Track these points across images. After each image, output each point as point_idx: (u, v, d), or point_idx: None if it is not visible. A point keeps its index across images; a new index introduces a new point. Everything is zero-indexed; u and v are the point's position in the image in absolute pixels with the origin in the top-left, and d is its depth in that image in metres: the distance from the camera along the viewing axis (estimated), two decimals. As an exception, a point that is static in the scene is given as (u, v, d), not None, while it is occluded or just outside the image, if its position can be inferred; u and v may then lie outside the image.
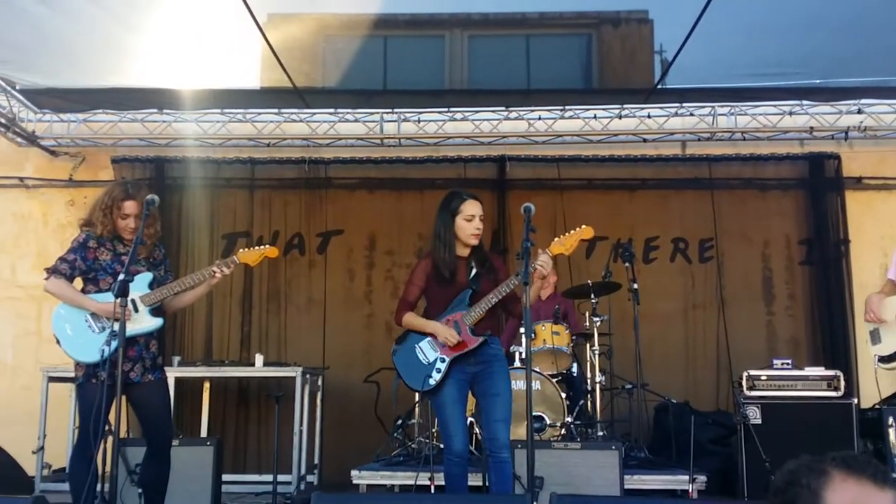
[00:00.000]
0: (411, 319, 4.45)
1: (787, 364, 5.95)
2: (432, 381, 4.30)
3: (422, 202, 7.97)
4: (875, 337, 4.41)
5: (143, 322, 4.23)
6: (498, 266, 4.51)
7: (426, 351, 4.38)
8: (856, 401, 5.76)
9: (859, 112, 7.38)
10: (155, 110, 7.68)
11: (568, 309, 6.74)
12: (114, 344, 3.79)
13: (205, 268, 4.40)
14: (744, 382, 5.83)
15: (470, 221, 4.38)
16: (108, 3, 5.82)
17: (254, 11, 5.90)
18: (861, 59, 6.57)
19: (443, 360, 4.32)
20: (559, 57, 7.24)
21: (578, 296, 6.67)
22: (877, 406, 6.17)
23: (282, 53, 6.58)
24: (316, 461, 7.08)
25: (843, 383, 5.78)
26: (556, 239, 4.37)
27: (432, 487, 5.27)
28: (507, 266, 4.59)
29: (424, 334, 4.40)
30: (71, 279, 4.26)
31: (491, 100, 7.57)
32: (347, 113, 7.69)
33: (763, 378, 5.84)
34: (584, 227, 4.38)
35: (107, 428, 4.15)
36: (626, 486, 5.09)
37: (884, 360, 4.34)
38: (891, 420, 5.90)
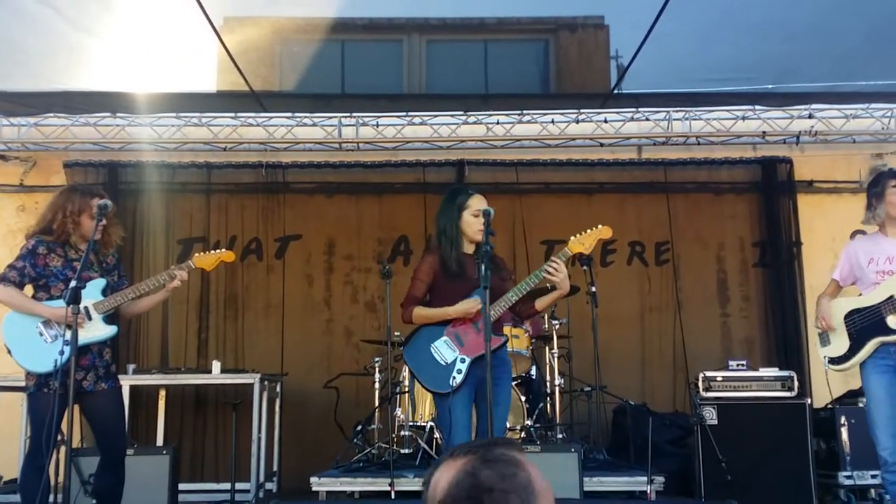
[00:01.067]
0: (423, 311, 4.25)
1: (742, 365, 6.05)
2: (454, 383, 4.10)
3: (380, 207, 7.97)
4: (824, 339, 4.52)
5: (96, 330, 4.14)
6: (501, 265, 4.37)
7: (443, 351, 4.18)
8: (809, 401, 5.87)
9: (810, 117, 7.53)
10: (108, 114, 7.54)
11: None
12: (67, 353, 3.71)
13: (160, 273, 4.34)
14: (700, 384, 5.91)
15: (478, 217, 4.22)
16: (60, 5, 5.70)
17: (209, 14, 5.83)
18: (812, 65, 6.69)
19: (463, 361, 4.14)
20: (517, 62, 7.27)
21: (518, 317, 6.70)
22: (829, 406, 6.30)
23: (238, 57, 6.51)
24: (275, 468, 7.00)
25: (796, 384, 5.89)
26: (574, 237, 4.22)
27: (392, 493, 5.25)
28: (507, 266, 4.50)
29: (439, 332, 4.20)
30: (21, 286, 4.17)
31: (449, 104, 7.57)
32: (305, 117, 7.64)
33: (719, 379, 5.93)
34: (601, 226, 4.24)
35: (59, 438, 4.07)
36: (585, 489, 5.14)
37: (834, 361, 4.44)
38: (843, 419, 6.06)
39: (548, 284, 4.26)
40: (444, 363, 4.15)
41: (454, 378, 4.10)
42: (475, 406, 4.23)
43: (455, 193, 4.38)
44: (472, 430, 4.18)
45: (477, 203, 4.26)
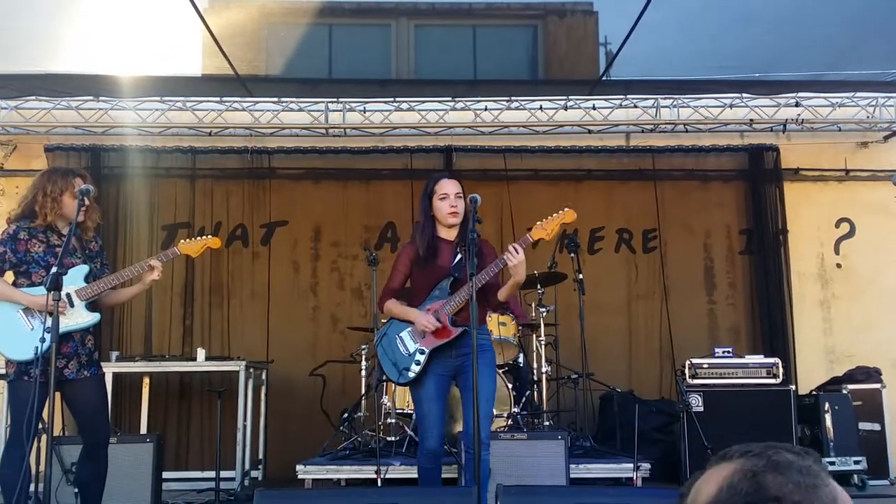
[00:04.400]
0: (392, 307, 4.29)
1: (728, 352, 6.08)
2: (411, 374, 4.15)
3: (367, 193, 7.92)
4: None
5: (79, 317, 4.08)
6: (486, 252, 4.25)
7: (406, 342, 4.22)
8: (794, 387, 5.91)
9: (797, 105, 7.54)
10: (91, 97, 7.45)
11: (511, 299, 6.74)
12: (48, 340, 3.65)
13: (143, 260, 4.28)
14: (686, 371, 5.93)
15: (444, 200, 4.20)
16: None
17: (194, -4, 5.75)
18: (799, 54, 6.71)
19: (422, 352, 4.15)
20: (505, 48, 7.25)
21: (524, 286, 6.68)
22: (813, 392, 6.35)
23: (224, 41, 6.43)
24: (260, 456, 6.97)
25: (781, 370, 5.93)
26: (538, 223, 4.16)
27: (379, 481, 5.23)
28: (494, 252, 4.35)
29: (406, 323, 4.24)
30: (1, 273, 4.10)
31: (437, 90, 7.53)
32: (291, 102, 7.57)
33: (705, 366, 5.95)
34: (566, 209, 4.15)
35: (41, 426, 4.01)
36: (571, 476, 5.14)
37: None
38: (827, 406, 6.10)
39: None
40: (405, 354, 4.20)
41: (410, 369, 4.15)
42: (460, 393, 4.24)
43: (427, 182, 4.38)
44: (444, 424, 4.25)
45: (442, 187, 4.24)
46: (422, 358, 4.14)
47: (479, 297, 4.00)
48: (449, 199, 4.21)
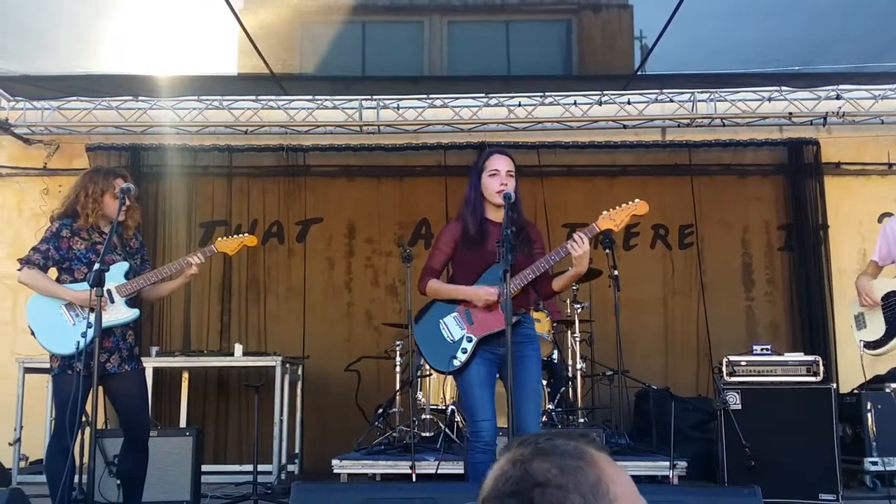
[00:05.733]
0: (438, 286, 3.99)
1: (767, 350, 5.97)
2: (457, 363, 3.86)
3: (401, 189, 7.95)
4: (860, 322, 4.33)
5: (119, 313, 4.16)
6: (534, 237, 4.04)
7: (451, 328, 3.92)
8: (834, 386, 5.79)
9: (838, 98, 7.41)
10: (130, 97, 7.58)
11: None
12: (90, 334, 3.73)
13: (182, 257, 4.34)
14: (724, 368, 5.84)
15: (494, 177, 3.92)
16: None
17: (229, -3, 5.82)
18: (839, 45, 6.59)
19: (469, 340, 3.87)
20: (539, 43, 7.21)
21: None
22: (855, 391, 6.22)
23: (259, 40, 6.49)
24: (296, 451, 7.05)
25: (821, 368, 5.80)
26: (605, 213, 3.88)
27: (413, 476, 5.26)
28: (542, 238, 4.17)
29: (450, 308, 3.94)
30: (45, 269, 4.19)
31: (470, 86, 7.53)
32: (326, 100, 7.62)
33: (743, 364, 5.85)
34: (637, 201, 3.89)
35: (84, 419, 4.10)
36: (607, 473, 5.10)
37: (869, 345, 4.26)
38: (869, 405, 5.97)
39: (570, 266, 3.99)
40: (450, 341, 3.91)
41: (457, 357, 3.87)
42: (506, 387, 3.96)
43: (478, 157, 4.15)
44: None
45: (493, 163, 3.98)
46: (469, 346, 3.87)
47: (527, 285, 3.88)
48: (499, 175, 3.93)
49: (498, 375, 4.00)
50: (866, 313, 4.30)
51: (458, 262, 4.04)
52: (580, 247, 3.73)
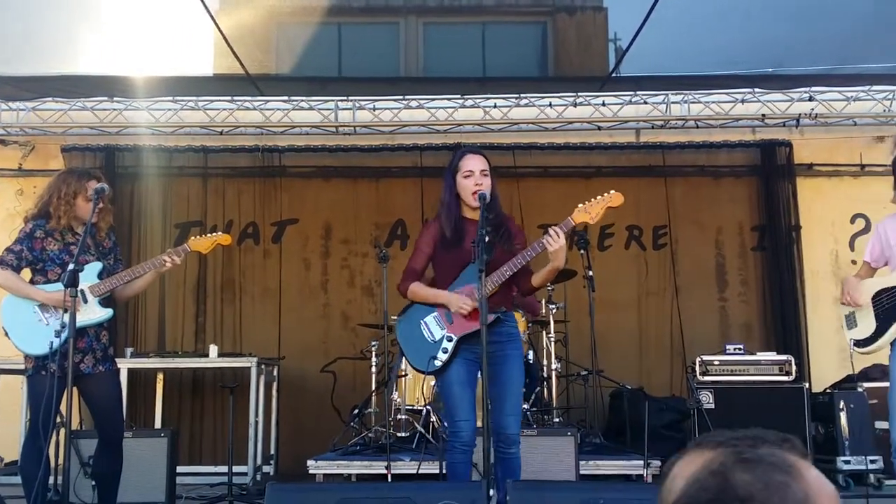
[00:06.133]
0: (418, 290, 3.98)
1: (740, 349, 6.05)
2: (437, 363, 3.86)
3: (377, 190, 7.95)
4: (850, 321, 4.31)
5: (92, 313, 4.14)
6: (515, 232, 4.04)
7: (432, 328, 3.93)
8: (807, 385, 5.87)
9: (810, 100, 7.48)
10: (105, 98, 7.52)
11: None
12: (64, 335, 3.72)
13: (155, 257, 4.33)
14: (697, 368, 5.91)
15: (468, 178, 3.92)
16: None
17: (205, -2, 5.81)
18: (812, 48, 6.68)
19: (450, 339, 3.87)
20: (514, 45, 7.27)
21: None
22: (828, 390, 6.29)
23: (234, 41, 6.49)
24: (272, 452, 7.03)
25: (794, 368, 5.89)
26: (580, 206, 3.89)
27: (389, 476, 5.27)
28: (523, 233, 4.16)
29: (431, 308, 3.95)
30: (18, 270, 4.17)
31: (446, 87, 7.54)
32: (301, 100, 7.60)
33: (716, 363, 5.93)
34: (612, 192, 3.91)
35: (58, 420, 4.08)
36: (581, 472, 5.15)
37: (859, 343, 4.23)
38: (842, 404, 6.04)
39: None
40: (431, 341, 3.92)
41: (437, 358, 3.87)
42: (489, 385, 3.89)
43: (451, 157, 4.12)
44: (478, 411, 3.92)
45: (466, 163, 3.96)
46: (449, 346, 3.87)
47: (508, 281, 3.89)
48: (473, 176, 3.92)
49: (480, 374, 3.92)
50: (857, 312, 4.27)
51: (437, 262, 4.05)
52: (556, 241, 3.72)
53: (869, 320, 4.21)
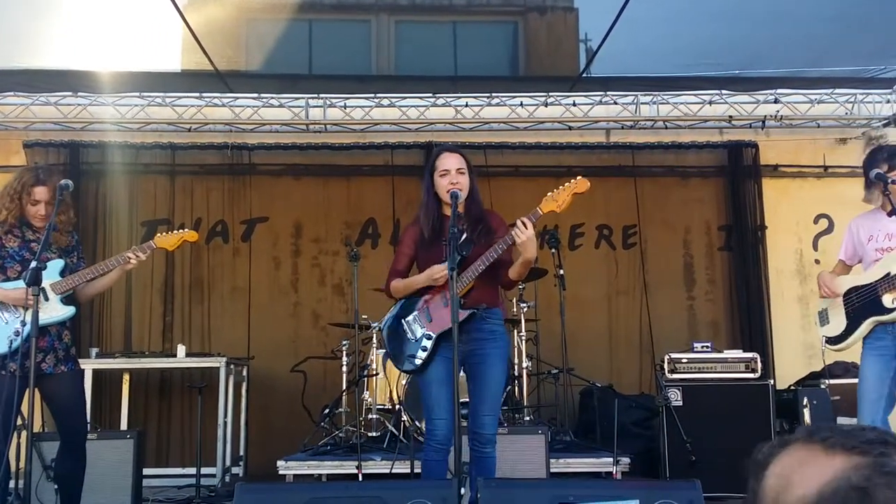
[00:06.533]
0: (398, 284, 4.05)
1: (707, 347, 6.11)
2: (418, 361, 3.90)
3: (348, 189, 7.91)
4: (823, 318, 4.37)
5: (53, 311, 4.06)
6: (496, 226, 4.06)
7: (412, 327, 3.98)
8: (772, 382, 5.94)
9: (776, 102, 7.59)
10: (70, 93, 7.39)
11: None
12: (25, 332, 3.64)
13: (119, 254, 4.26)
14: (665, 365, 5.95)
15: (444, 176, 3.96)
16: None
17: (173, -8, 5.73)
18: (778, 51, 6.77)
19: (429, 338, 3.91)
20: (486, 44, 7.26)
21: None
22: (792, 387, 6.40)
23: (203, 37, 6.40)
24: (241, 453, 6.96)
25: (759, 365, 5.96)
26: (548, 195, 3.89)
27: (360, 476, 5.24)
28: (505, 225, 4.11)
29: (411, 307, 4.00)
30: (-24, 267, 4.07)
31: (418, 86, 7.52)
32: (272, 98, 7.54)
33: (684, 361, 5.98)
34: (578, 178, 3.91)
35: (20, 422, 4.00)
36: (552, 469, 5.18)
37: (831, 341, 4.31)
38: (805, 400, 6.14)
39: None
40: (412, 339, 3.96)
41: (417, 356, 3.90)
42: (468, 383, 3.97)
43: (429, 156, 4.15)
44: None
45: (443, 162, 4.01)
46: (429, 343, 3.90)
47: (489, 276, 3.90)
48: (449, 175, 3.96)
49: (463, 369, 3.94)
50: (830, 309, 4.33)
51: (420, 262, 4.08)
52: (523, 233, 3.71)
53: (840, 318, 4.26)
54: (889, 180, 4.01)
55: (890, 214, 4.02)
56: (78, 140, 7.70)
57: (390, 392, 6.15)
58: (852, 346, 4.25)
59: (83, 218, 7.10)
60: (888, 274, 4.03)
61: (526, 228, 3.72)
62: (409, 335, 3.98)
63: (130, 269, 4.25)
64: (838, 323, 4.28)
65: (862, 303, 4.15)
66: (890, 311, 4.01)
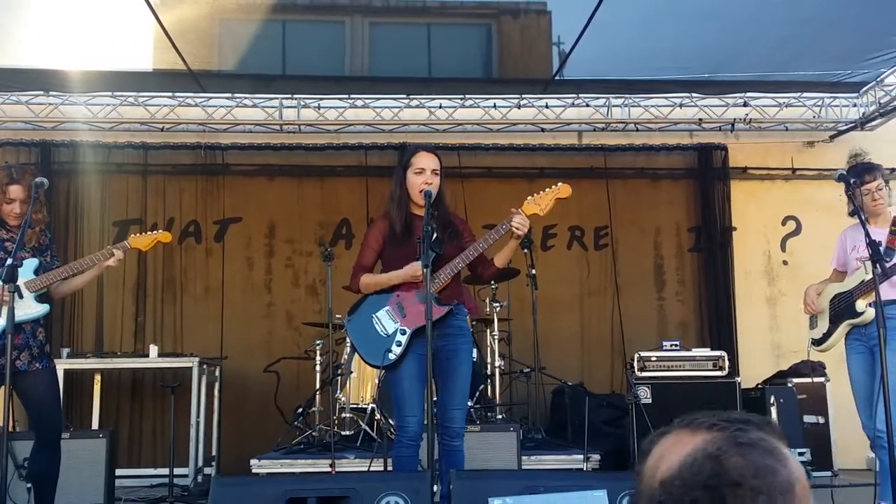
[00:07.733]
0: (370, 279, 4.02)
1: (676, 346, 6.21)
2: (392, 356, 3.89)
3: (322, 189, 7.92)
4: (813, 322, 4.76)
5: (28, 308, 4.06)
6: (462, 228, 4.12)
7: (384, 322, 3.96)
8: (738, 380, 6.06)
9: (745, 105, 7.72)
10: (41, 92, 7.34)
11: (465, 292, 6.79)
12: (0, 329, 3.64)
13: (93, 253, 4.26)
14: (635, 364, 6.04)
15: (419, 175, 3.97)
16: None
17: (146, -9, 5.71)
18: (747, 55, 6.87)
19: (403, 332, 3.91)
20: (460, 46, 7.30)
21: (478, 282, 6.75)
22: (759, 385, 6.52)
23: (176, 36, 6.38)
24: (214, 453, 6.94)
25: (727, 363, 6.07)
26: (530, 198, 3.95)
27: (333, 473, 5.26)
28: (469, 228, 4.23)
29: (382, 303, 3.98)
30: (-52, 267, 4.05)
31: (392, 87, 7.56)
32: (245, 98, 7.54)
33: (653, 359, 6.07)
34: (560, 184, 3.98)
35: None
36: (523, 467, 5.23)
37: (815, 342, 4.67)
38: (772, 399, 6.28)
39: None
40: (384, 335, 3.95)
41: (392, 351, 3.90)
42: (435, 380, 3.93)
43: (402, 152, 4.18)
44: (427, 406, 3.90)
45: (419, 160, 4.03)
46: (403, 339, 3.90)
47: (459, 275, 3.99)
48: (424, 174, 3.98)
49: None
50: (819, 315, 4.70)
51: (386, 258, 4.08)
52: (524, 225, 3.86)
53: (825, 322, 4.62)
54: (851, 181, 4.19)
55: (850, 214, 4.32)
56: (49, 139, 7.64)
57: (364, 391, 6.17)
58: (832, 347, 4.59)
59: (54, 218, 7.05)
60: (862, 281, 4.36)
61: (524, 222, 3.86)
62: (381, 330, 3.97)
63: (105, 267, 4.25)
64: (823, 326, 4.63)
65: (841, 308, 4.49)
66: (860, 314, 4.36)
